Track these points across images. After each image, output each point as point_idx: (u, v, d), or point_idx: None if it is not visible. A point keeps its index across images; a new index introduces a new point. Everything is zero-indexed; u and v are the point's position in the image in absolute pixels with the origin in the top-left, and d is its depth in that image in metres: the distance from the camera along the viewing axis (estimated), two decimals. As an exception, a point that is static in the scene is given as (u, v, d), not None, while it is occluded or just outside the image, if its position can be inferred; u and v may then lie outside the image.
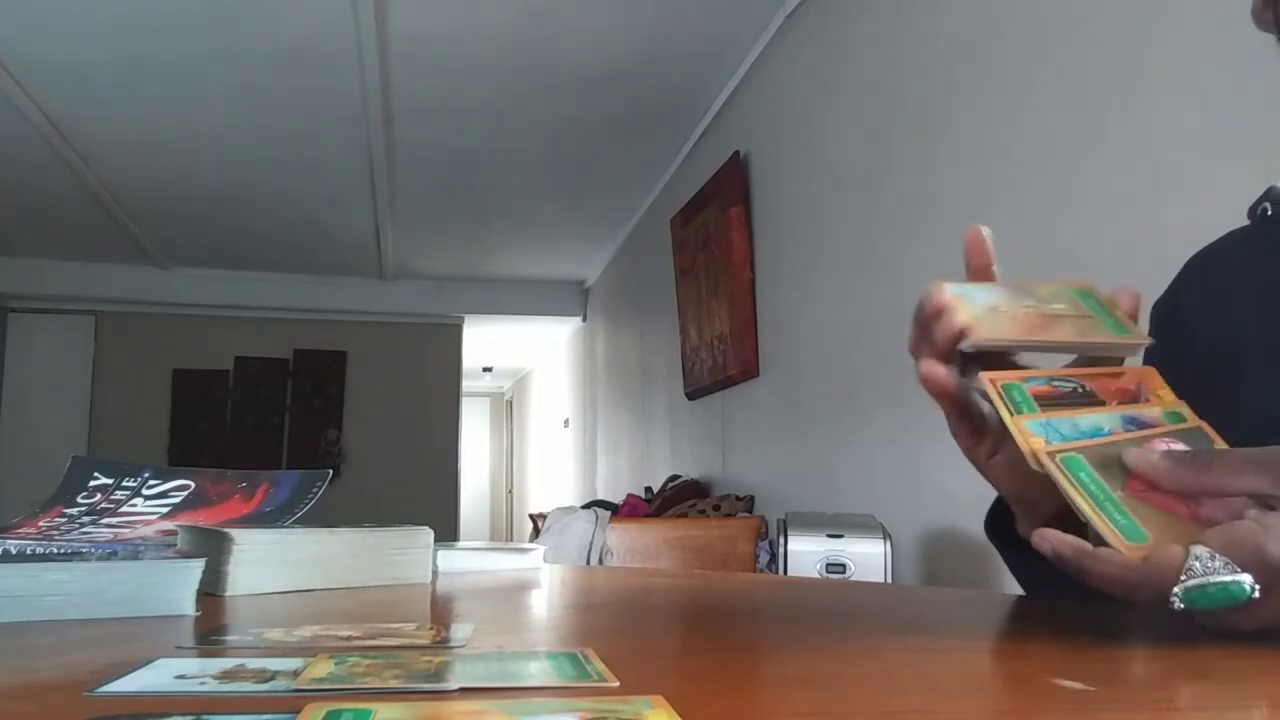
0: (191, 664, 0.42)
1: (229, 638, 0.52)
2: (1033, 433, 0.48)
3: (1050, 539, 0.47)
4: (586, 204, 5.88)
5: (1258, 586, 0.42)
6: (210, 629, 0.55)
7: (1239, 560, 0.42)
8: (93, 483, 0.96)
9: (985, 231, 0.61)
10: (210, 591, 0.71)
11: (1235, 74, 1.60)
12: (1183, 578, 0.42)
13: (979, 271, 0.61)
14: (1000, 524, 0.68)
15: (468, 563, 0.97)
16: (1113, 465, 0.47)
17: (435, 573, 0.89)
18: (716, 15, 3.59)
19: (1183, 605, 0.43)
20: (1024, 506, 0.61)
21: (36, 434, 6.85)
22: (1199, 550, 0.43)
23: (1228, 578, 0.42)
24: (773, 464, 3.70)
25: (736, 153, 4.01)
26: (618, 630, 0.61)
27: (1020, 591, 0.76)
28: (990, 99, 2.30)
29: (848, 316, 3.05)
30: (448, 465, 7.92)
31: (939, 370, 0.55)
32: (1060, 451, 0.47)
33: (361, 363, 7.78)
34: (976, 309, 0.54)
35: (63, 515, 0.91)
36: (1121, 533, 0.45)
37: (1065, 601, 0.59)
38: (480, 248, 6.91)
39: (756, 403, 3.88)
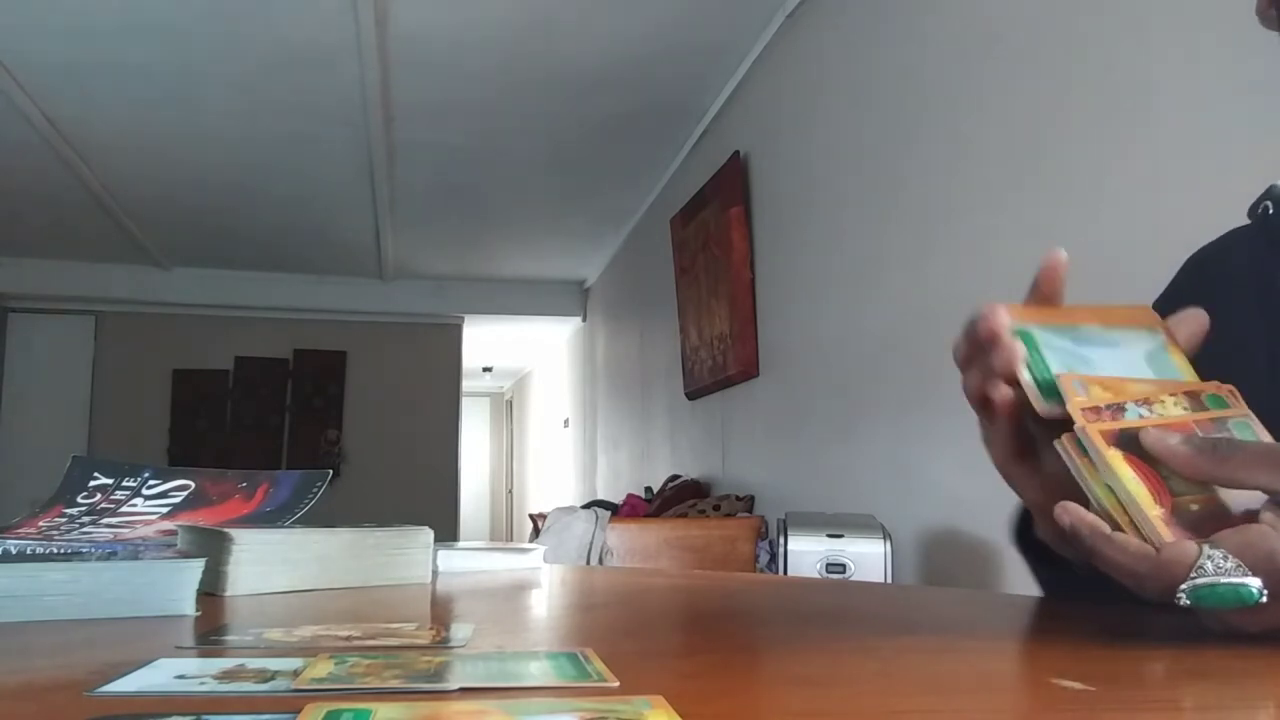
0: (191, 664, 0.42)
1: (229, 638, 0.52)
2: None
3: (1072, 513, 0.47)
4: (586, 204, 5.88)
5: (1265, 591, 0.42)
6: (210, 629, 0.55)
7: (1250, 563, 0.42)
8: (93, 483, 0.96)
9: (1063, 257, 0.55)
10: (210, 591, 0.71)
11: (1235, 73, 1.60)
12: (1193, 575, 0.43)
13: (1042, 300, 0.56)
14: (1026, 534, 0.66)
15: (468, 563, 0.97)
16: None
17: (435, 573, 0.89)
18: (716, 15, 3.59)
19: (1189, 602, 0.43)
20: (1047, 515, 0.59)
21: (36, 434, 6.85)
22: (1213, 551, 0.43)
23: (1237, 580, 0.42)
24: (773, 464, 3.70)
25: (736, 153, 4.01)
26: (618, 630, 0.61)
27: (1018, 590, 0.76)
28: (990, 99, 2.30)
29: (847, 316, 3.05)
30: (448, 465, 7.92)
31: (1006, 394, 0.51)
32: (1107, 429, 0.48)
33: (361, 363, 7.78)
34: (1039, 366, 0.51)
35: (63, 515, 0.91)
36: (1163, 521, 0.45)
37: (1075, 604, 0.59)
38: (480, 248, 6.91)
39: (756, 403, 3.88)
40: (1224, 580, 0.42)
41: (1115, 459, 0.47)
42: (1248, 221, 0.75)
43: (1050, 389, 0.50)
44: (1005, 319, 0.53)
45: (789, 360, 3.54)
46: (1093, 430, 0.48)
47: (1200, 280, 0.77)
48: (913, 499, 2.57)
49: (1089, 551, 0.47)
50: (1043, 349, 0.51)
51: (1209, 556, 0.43)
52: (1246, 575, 0.42)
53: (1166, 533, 0.44)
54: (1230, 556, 0.42)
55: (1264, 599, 0.42)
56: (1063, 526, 0.48)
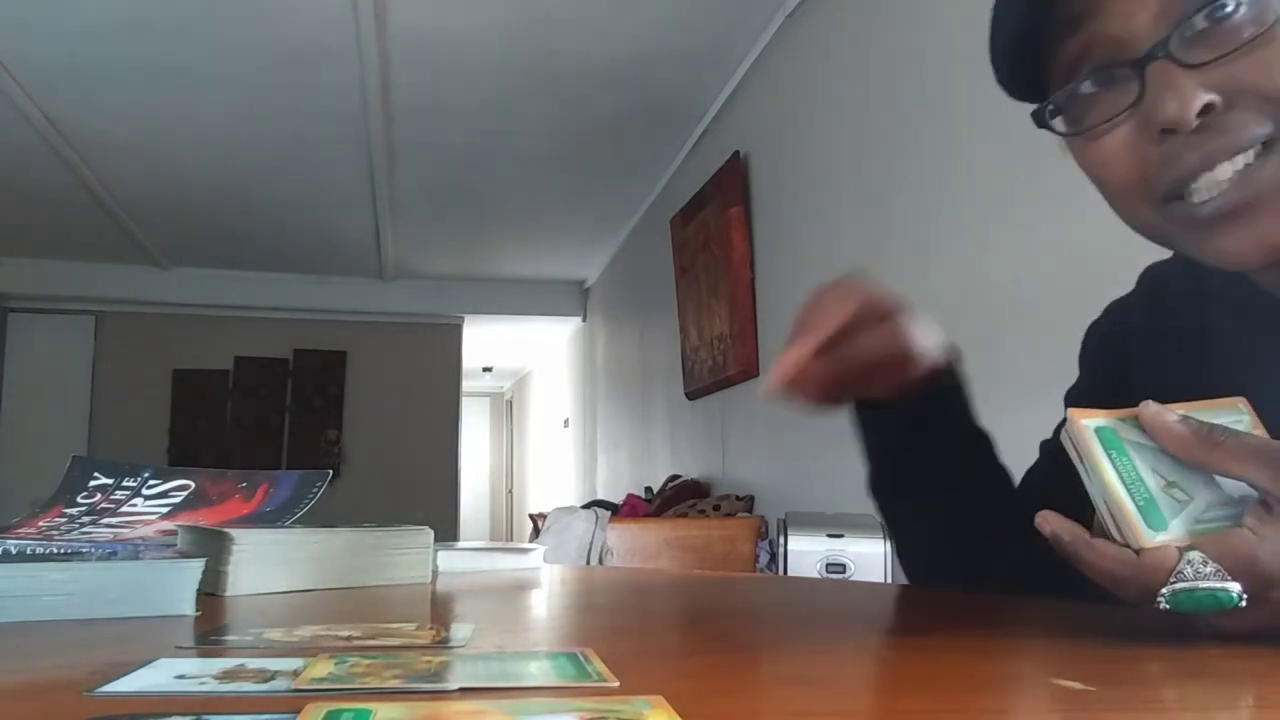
0: (191, 664, 0.42)
1: (229, 638, 0.52)
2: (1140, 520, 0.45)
3: (1052, 522, 0.48)
4: (586, 204, 5.88)
5: (1245, 596, 0.42)
6: (210, 629, 0.55)
7: (1230, 568, 0.43)
8: (93, 483, 0.96)
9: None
10: (210, 591, 0.71)
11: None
12: (1172, 580, 0.43)
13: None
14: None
15: (468, 563, 0.97)
16: (1151, 451, 0.47)
17: (435, 573, 0.89)
18: (716, 15, 3.59)
19: (1168, 606, 0.43)
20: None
21: (36, 434, 6.85)
22: (1192, 555, 0.43)
23: (1216, 585, 0.43)
24: (773, 464, 3.70)
25: (736, 153, 4.01)
26: (618, 630, 0.61)
27: (1018, 590, 0.76)
28: (991, 99, 2.29)
29: (848, 316, 3.04)
30: (448, 465, 7.92)
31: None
32: (1097, 424, 0.47)
33: (361, 363, 7.78)
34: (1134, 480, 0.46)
35: (63, 515, 0.91)
36: (1141, 517, 0.45)
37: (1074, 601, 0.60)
38: (480, 248, 6.91)
39: (756, 403, 3.88)
40: (1202, 585, 0.43)
41: (1099, 458, 0.47)
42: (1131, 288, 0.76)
43: (1152, 507, 0.45)
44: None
45: (789, 360, 3.54)
46: (1080, 427, 0.48)
47: (1101, 348, 0.78)
48: (913, 499, 2.56)
49: (1071, 558, 0.47)
50: (1133, 454, 0.47)
51: (1188, 561, 0.43)
52: (1225, 580, 0.42)
53: (1144, 534, 0.45)
54: (1209, 561, 0.43)
55: (1243, 603, 0.42)
56: (1044, 534, 0.48)
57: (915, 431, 0.75)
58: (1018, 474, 0.81)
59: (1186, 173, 0.53)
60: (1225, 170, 0.52)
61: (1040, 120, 0.62)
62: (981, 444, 0.79)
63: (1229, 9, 0.51)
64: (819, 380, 0.66)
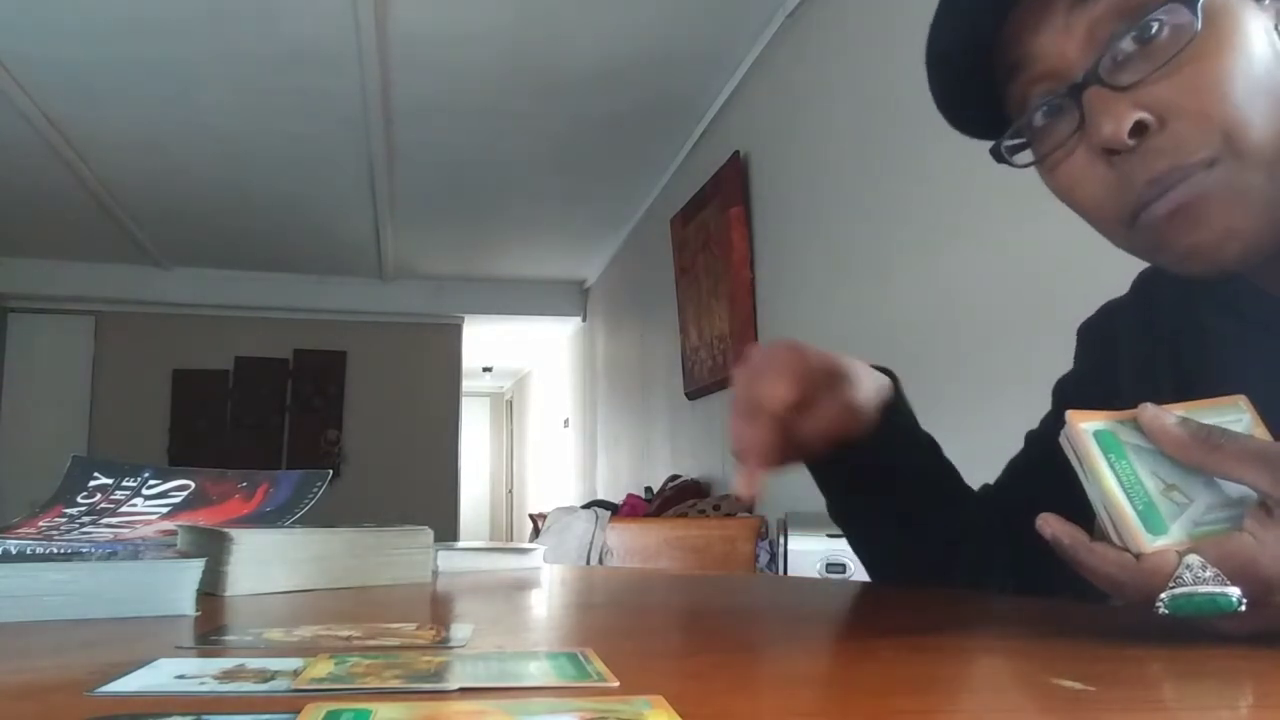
0: (191, 664, 0.42)
1: (229, 638, 0.52)
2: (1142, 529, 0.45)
3: (1052, 524, 0.48)
4: (586, 204, 5.88)
5: (1244, 601, 0.42)
6: (210, 629, 0.55)
7: (1230, 572, 0.43)
8: (93, 483, 0.96)
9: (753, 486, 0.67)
10: (210, 591, 0.71)
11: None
12: (1171, 585, 0.43)
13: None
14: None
15: (468, 563, 0.97)
16: (1150, 453, 0.47)
17: (435, 573, 0.89)
18: (716, 15, 3.59)
19: (1167, 611, 0.43)
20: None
21: (36, 434, 6.85)
22: (1191, 559, 0.43)
23: (1215, 589, 0.42)
24: (773, 464, 3.69)
25: (736, 153, 4.01)
26: (618, 630, 0.61)
27: (998, 587, 0.77)
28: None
29: (848, 316, 3.05)
30: (448, 465, 7.92)
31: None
32: (1097, 428, 0.48)
33: (361, 363, 7.78)
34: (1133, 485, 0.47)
35: (63, 515, 0.91)
36: (1141, 521, 0.45)
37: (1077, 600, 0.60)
38: (480, 248, 6.91)
39: (756, 403, 3.87)
40: (1202, 590, 0.43)
41: (1098, 462, 0.47)
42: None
43: (1151, 511, 0.45)
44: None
45: (789, 360, 3.54)
46: (1078, 430, 0.48)
47: (1091, 345, 0.79)
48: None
49: (1070, 561, 0.47)
50: (1132, 457, 0.47)
51: (1187, 566, 0.43)
52: (1225, 585, 0.42)
53: (1143, 539, 0.45)
54: (1209, 566, 0.43)
55: (1243, 608, 0.42)
56: (1045, 537, 0.48)
57: (865, 474, 0.78)
58: (991, 473, 0.82)
59: (1142, 195, 0.55)
60: (1178, 187, 0.54)
61: (999, 156, 0.65)
62: (929, 454, 0.82)
63: (1154, 29, 0.54)
64: (776, 451, 0.69)
